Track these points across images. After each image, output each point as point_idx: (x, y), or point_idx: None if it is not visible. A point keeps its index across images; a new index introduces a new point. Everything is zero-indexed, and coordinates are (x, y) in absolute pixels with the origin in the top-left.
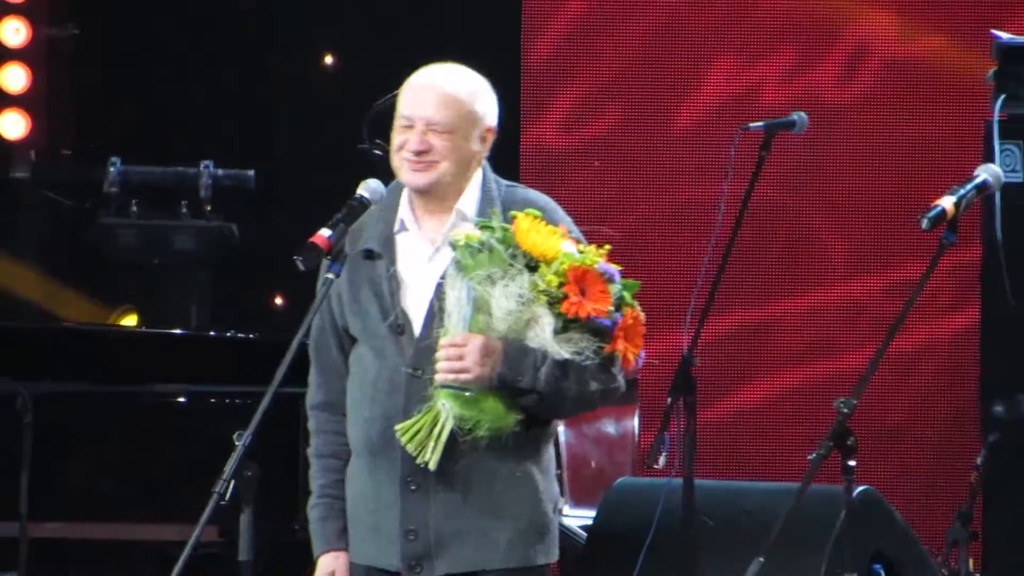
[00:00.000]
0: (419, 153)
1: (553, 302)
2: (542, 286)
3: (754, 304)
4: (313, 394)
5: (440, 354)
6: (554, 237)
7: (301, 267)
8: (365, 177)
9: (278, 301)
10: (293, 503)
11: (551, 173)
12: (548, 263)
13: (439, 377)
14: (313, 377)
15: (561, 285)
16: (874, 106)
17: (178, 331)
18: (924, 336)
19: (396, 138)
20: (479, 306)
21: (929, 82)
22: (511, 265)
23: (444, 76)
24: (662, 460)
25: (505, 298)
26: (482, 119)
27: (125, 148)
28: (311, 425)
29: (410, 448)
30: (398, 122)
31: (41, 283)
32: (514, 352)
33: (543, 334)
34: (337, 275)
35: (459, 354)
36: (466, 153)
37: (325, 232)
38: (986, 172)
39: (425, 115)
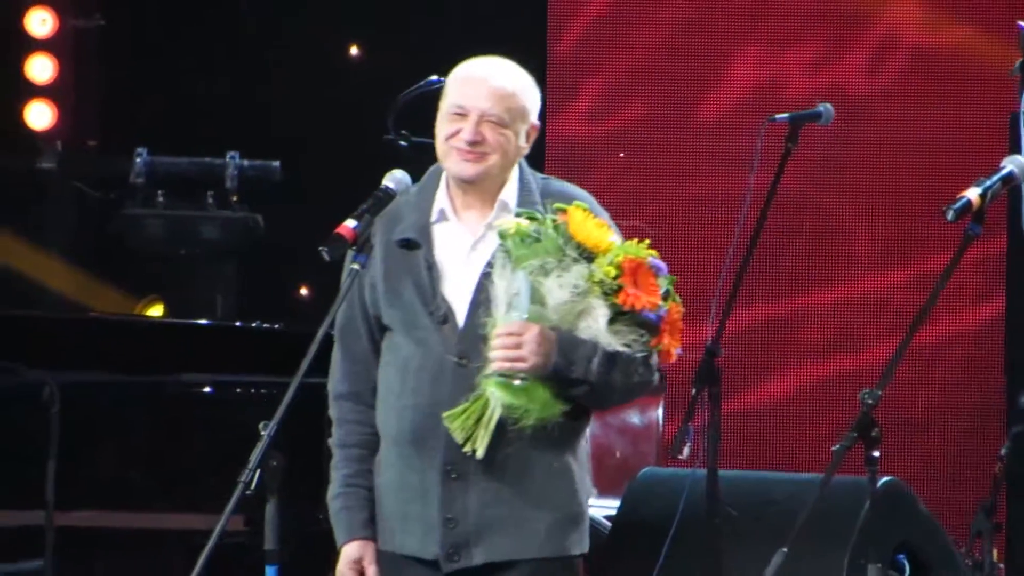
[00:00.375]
0: (473, 144)
1: (608, 293)
2: (599, 276)
3: (779, 295)
4: (337, 383)
5: (496, 342)
6: (604, 229)
7: (326, 258)
8: (391, 168)
9: (303, 292)
10: (318, 493)
11: (577, 163)
12: (603, 254)
13: (495, 365)
14: (338, 366)
15: (617, 276)
16: (900, 97)
17: (204, 321)
18: (949, 327)
19: (447, 127)
20: (532, 296)
21: (956, 73)
22: (564, 255)
23: (499, 70)
24: (686, 450)
25: (559, 288)
26: (529, 115)
27: (151, 139)
28: (334, 414)
29: (458, 436)
30: (448, 111)
31: (68, 273)
32: (567, 342)
33: (596, 325)
34: (363, 266)
35: (517, 343)
36: (514, 148)
37: (351, 223)
38: (1012, 163)
39: (482, 107)
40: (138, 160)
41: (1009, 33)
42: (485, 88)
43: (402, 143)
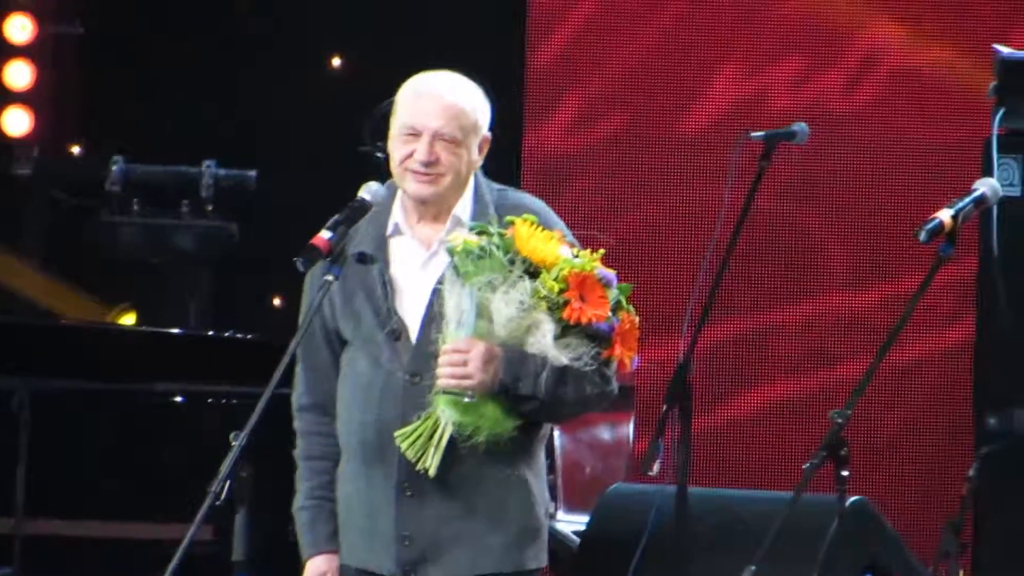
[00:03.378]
0: (428, 164)
1: (554, 308)
2: (544, 292)
3: (751, 312)
4: (301, 395)
5: (443, 359)
6: (552, 242)
7: (301, 268)
8: (367, 179)
9: (277, 302)
10: (288, 504)
11: (554, 176)
12: (548, 269)
13: (441, 382)
14: (300, 378)
15: (562, 291)
16: (877, 117)
17: (176, 330)
18: (920, 348)
19: (401, 148)
20: (480, 312)
21: (932, 95)
22: (511, 271)
23: (447, 86)
24: (656, 467)
25: (506, 304)
26: (482, 129)
27: (128, 146)
28: (298, 426)
29: (409, 454)
30: (400, 131)
31: (41, 279)
32: (515, 358)
33: (544, 340)
34: (336, 277)
35: (463, 359)
36: (468, 164)
37: (325, 234)
38: (984, 186)
39: (434, 126)
40: (114, 168)
41: (985, 56)
42: (437, 106)
43: (378, 154)
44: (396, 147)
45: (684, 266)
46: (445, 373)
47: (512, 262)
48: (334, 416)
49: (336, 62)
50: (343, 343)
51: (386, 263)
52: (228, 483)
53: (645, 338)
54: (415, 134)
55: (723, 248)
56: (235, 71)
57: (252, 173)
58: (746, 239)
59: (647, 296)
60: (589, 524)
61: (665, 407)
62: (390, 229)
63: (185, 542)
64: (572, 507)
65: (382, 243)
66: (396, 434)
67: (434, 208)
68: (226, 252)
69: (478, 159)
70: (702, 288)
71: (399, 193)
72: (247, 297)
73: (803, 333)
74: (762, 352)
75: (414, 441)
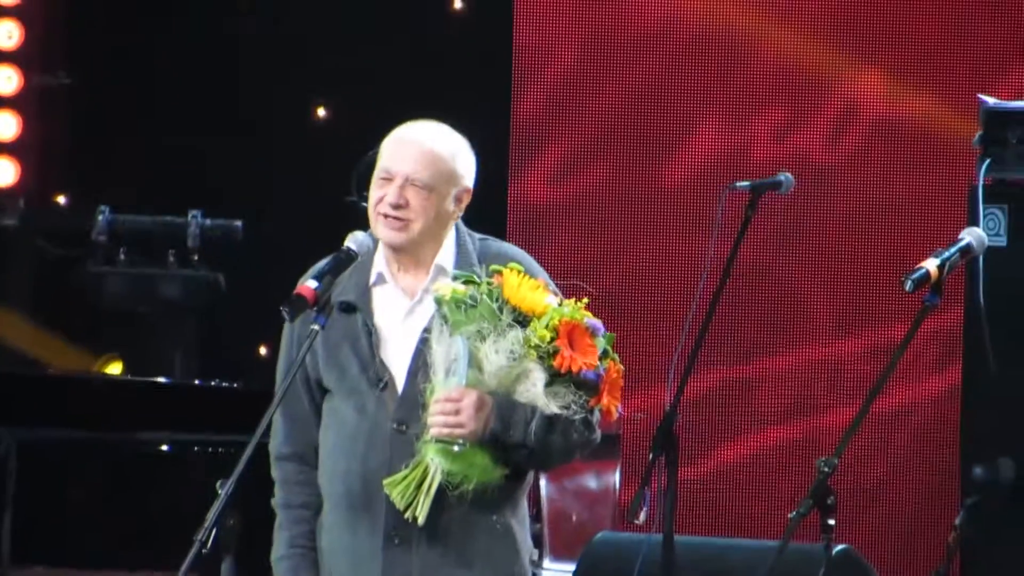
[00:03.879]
0: (396, 207)
1: (544, 356)
2: (534, 341)
3: (737, 361)
4: (280, 445)
5: (435, 408)
6: (539, 291)
7: (287, 318)
8: (353, 229)
9: (263, 351)
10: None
11: (537, 227)
12: (538, 317)
13: (434, 431)
14: (280, 427)
15: (552, 340)
16: (861, 167)
17: (162, 379)
18: (906, 397)
19: (374, 192)
20: (470, 361)
21: (917, 144)
22: (499, 320)
23: (426, 133)
24: (643, 515)
25: (496, 353)
26: (461, 179)
27: (114, 197)
28: (277, 475)
29: (398, 503)
30: (377, 175)
31: (27, 330)
32: (505, 407)
33: (534, 389)
34: (323, 327)
35: (455, 408)
36: (441, 213)
37: (312, 283)
38: (970, 235)
39: (405, 170)
40: (100, 217)
41: (970, 105)
42: (413, 151)
43: (363, 204)
44: (372, 192)
45: (670, 315)
46: (438, 422)
47: (501, 311)
48: (314, 465)
49: (321, 112)
50: (324, 392)
51: (370, 312)
52: (214, 531)
53: (631, 388)
54: (389, 178)
55: (708, 297)
56: (222, 121)
57: (238, 223)
58: (731, 288)
59: (633, 346)
60: (576, 572)
61: (651, 456)
62: (373, 278)
63: None
64: (558, 555)
65: (365, 292)
66: (385, 482)
67: (413, 256)
68: (212, 301)
69: (455, 210)
70: (688, 337)
71: (382, 243)
72: (233, 346)
73: (789, 382)
74: (748, 401)
75: (404, 489)
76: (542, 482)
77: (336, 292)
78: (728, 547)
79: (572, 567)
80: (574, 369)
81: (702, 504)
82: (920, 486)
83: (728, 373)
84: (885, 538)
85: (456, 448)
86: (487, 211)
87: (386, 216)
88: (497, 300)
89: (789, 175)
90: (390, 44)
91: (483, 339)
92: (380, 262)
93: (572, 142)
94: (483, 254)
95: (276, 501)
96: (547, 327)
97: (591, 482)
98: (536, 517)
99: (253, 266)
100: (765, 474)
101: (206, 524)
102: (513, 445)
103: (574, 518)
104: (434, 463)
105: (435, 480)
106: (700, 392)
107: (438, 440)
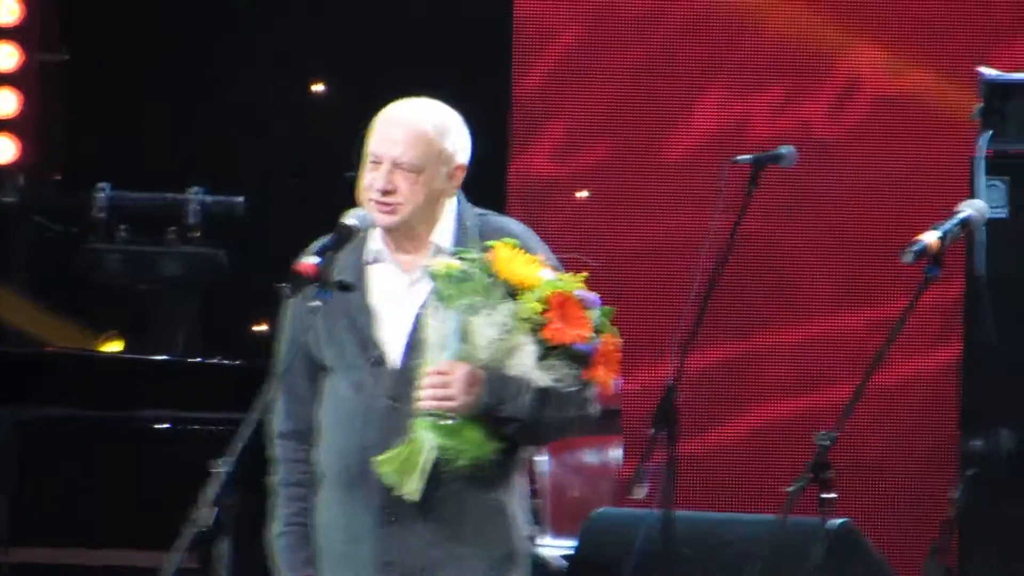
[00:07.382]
0: (385, 193)
1: (536, 329)
2: (525, 313)
3: (738, 336)
4: (281, 422)
5: (425, 382)
6: (533, 265)
7: (287, 294)
8: (353, 205)
9: (264, 328)
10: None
11: (539, 202)
12: (529, 291)
13: (423, 404)
14: (281, 405)
15: (543, 312)
16: (862, 141)
17: (163, 357)
18: (907, 370)
19: (365, 176)
20: (462, 335)
21: (917, 118)
22: (491, 294)
23: (414, 113)
24: (642, 491)
25: (488, 327)
26: (452, 157)
27: (114, 173)
28: (277, 453)
29: (390, 480)
30: (366, 159)
31: (27, 308)
32: (497, 381)
33: (526, 362)
34: (325, 303)
35: (445, 382)
36: (432, 192)
37: (313, 259)
38: (970, 207)
39: (392, 153)
40: (100, 195)
41: (969, 78)
42: (400, 133)
43: None
44: (362, 175)
45: (671, 290)
46: (427, 395)
47: (493, 285)
48: (312, 443)
49: (320, 88)
50: (322, 370)
51: (366, 290)
52: (213, 510)
53: (632, 362)
54: (377, 162)
55: (710, 272)
56: (222, 96)
57: (240, 199)
58: (732, 262)
59: (634, 321)
60: (577, 548)
61: (652, 431)
62: (372, 256)
63: (170, 570)
64: (559, 531)
65: (362, 271)
66: (378, 459)
67: (409, 235)
68: (213, 279)
69: (447, 187)
70: (689, 312)
71: None
72: (235, 323)
73: (790, 356)
74: (749, 375)
75: (397, 466)
76: (543, 457)
77: (335, 269)
78: (727, 522)
79: (573, 542)
80: (565, 341)
81: (702, 479)
82: (920, 459)
83: (729, 348)
84: (884, 511)
85: (447, 422)
86: (488, 186)
87: (375, 201)
88: (490, 274)
89: (792, 148)
90: (390, 19)
91: (475, 313)
92: (378, 240)
93: (573, 118)
94: (483, 230)
95: (274, 479)
96: (538, 299)
97: (592, 457)
98: (535, 493)
99: (255, 243)
100: (766, 449)
101: (204, 503)
102: (506, 419)
103: (575, 493)
104: (427, 439)
105: (429, 457)
106: (701, 367)
107: (429, 414)
